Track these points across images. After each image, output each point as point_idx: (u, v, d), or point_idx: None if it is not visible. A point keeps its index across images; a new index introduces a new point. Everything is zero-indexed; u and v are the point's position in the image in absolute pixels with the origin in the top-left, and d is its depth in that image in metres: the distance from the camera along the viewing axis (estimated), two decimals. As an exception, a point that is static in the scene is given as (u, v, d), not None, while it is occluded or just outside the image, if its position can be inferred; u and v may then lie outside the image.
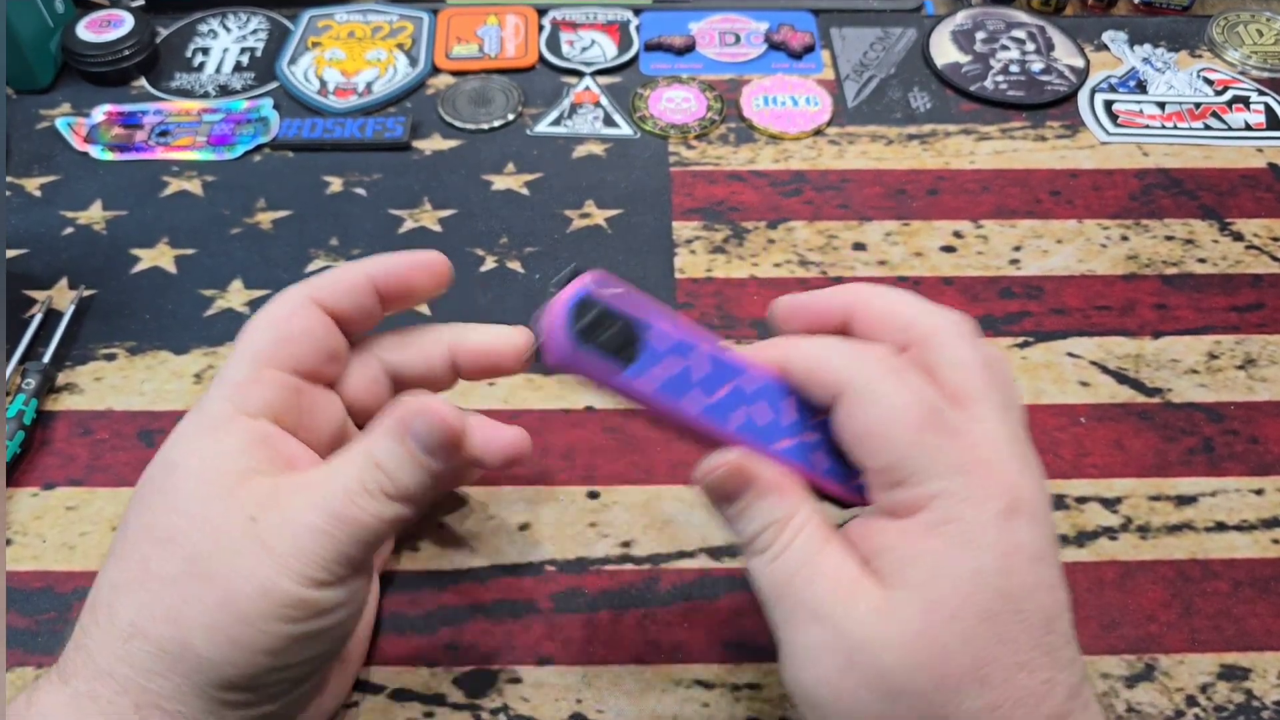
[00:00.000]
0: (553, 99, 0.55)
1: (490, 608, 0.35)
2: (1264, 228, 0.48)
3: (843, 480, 0.29)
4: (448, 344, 0.32)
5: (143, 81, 0.55)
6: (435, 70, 0.56)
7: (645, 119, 0.53)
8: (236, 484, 0.27)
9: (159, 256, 0.47)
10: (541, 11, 0.60)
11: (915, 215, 0.49)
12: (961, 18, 0.60)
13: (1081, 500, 0.39)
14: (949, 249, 0.47)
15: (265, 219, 0.49)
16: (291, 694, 0.29)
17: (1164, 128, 0.53)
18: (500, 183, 0.50)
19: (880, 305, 0.29)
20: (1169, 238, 0.48)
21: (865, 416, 0.27)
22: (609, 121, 0.53)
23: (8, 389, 0.40)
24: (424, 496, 0.28)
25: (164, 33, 0.58)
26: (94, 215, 0.49)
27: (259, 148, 0.52)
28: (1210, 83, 0.56)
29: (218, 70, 0.56)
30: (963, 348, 0.28)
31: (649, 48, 0.58)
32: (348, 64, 0.56)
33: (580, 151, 0.52)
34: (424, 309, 0.44)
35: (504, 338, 0.32)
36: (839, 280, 0.46)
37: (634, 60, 0.57)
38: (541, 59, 0.57)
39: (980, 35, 0.58)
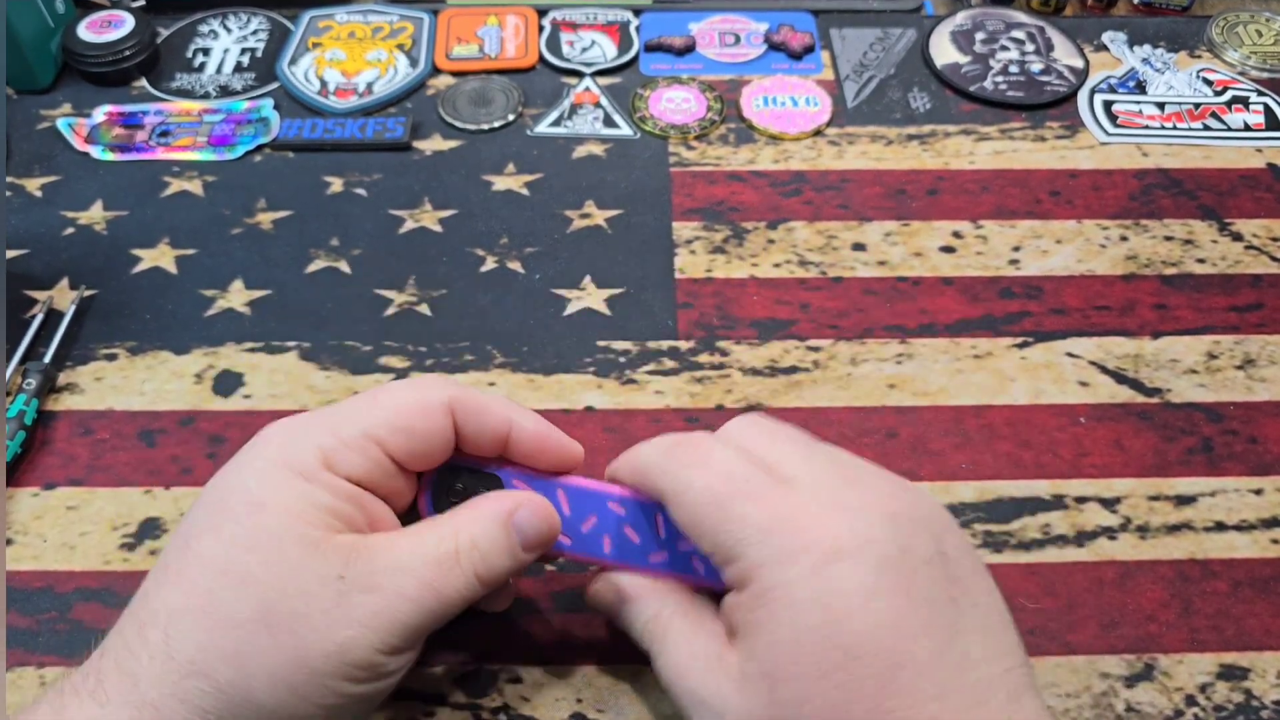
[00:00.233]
0: (553, 99, 0.55)
1: (490, 607, 0.35)
2: (1263, 228, 0.48)
3: (721, 580, 0.30)
4: (510, 423, 0.31)
5: (143, 82, 0.55)
6: (435, 71, 0.56)
7: (645, 119, 0.53)
8: (324, 537, 0.27)
9: (159, 257, 0.47)
10: (541, 12, 0.60)
11: (915, 215, 0.49)
12: (961, 18, 0.60)
13: (1081, 500, 0.39)
14: (948, 249, 0.47)
15: (266, 219, 0.49)
16: None
17: (1163, 128, 0.53)
18: (500, 183, 0.50)
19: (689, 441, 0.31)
20: (1168, 238, 0.48)
21: (682, 511, 0.28)
22: (609, 122, 0.53)
23: (8, 389, 0.40)
24: (500, 583, 0.29)
25: (164, 33, 0.58)
26: (95, 215, 0.49)
27: (259, 148, 0.52)
28: (1210, 83, 0.56)
29: (218, 71, 0.56)
30: (753, 431, 0.30)
31: (649, 48, 0.58)
32: (348, 64, 0.56)
33: (580, 152, 0.52)
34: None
35: (558, 442, 0.31)
36: (839, 280, 0.46)
37: (634, 61, 0.57)
38: (541, 59, 0.57)
39: (980, 36, 0.59)
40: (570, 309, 0.45)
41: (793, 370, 0.43)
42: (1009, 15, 0.60)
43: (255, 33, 0.59)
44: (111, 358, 0.43)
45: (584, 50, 0.57)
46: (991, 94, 0.55)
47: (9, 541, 0.37)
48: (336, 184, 0.50)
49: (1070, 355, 0.43)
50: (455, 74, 0.56)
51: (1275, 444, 0.40)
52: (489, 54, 0.57)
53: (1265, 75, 0.56)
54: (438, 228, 0.48)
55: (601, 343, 0.43)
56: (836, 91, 0.55)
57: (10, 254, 0.47)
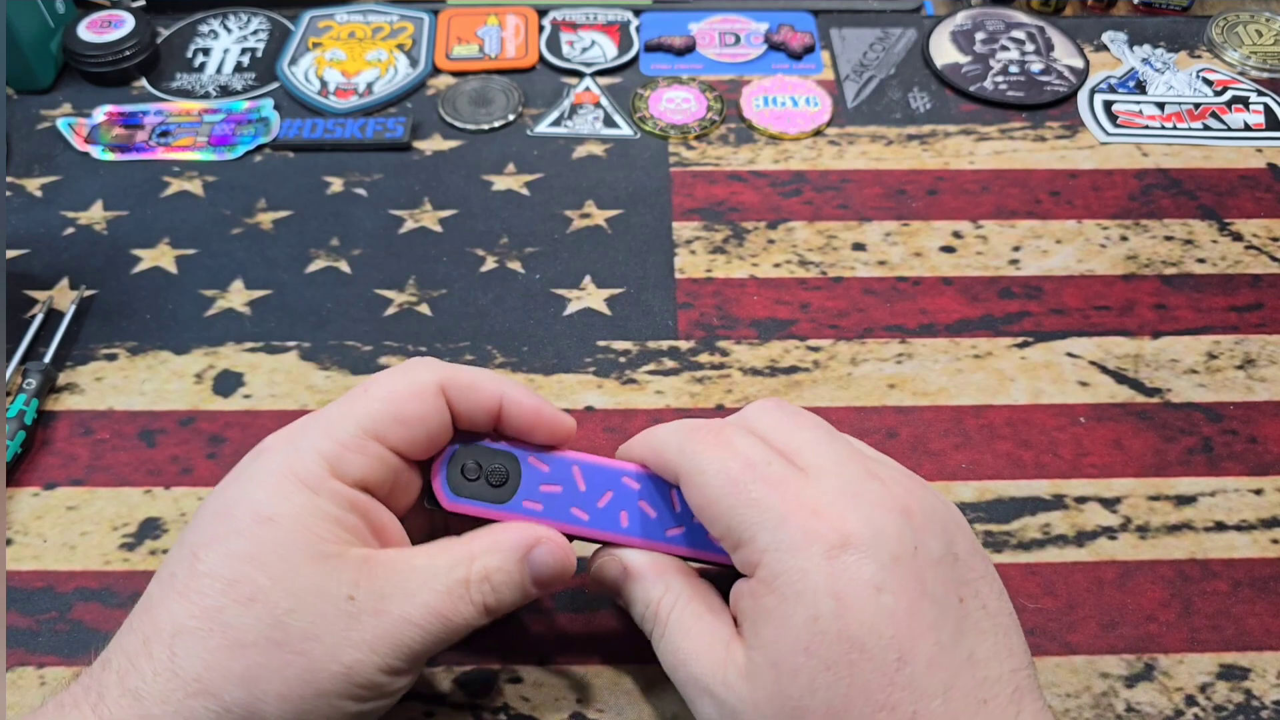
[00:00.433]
0: (553, 99, 0.55)
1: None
2: (1263, 228, 0.48)
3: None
4: (502, 396, 0.30)
5: (143, 82, 0.55)
6: (436, 71, 0.56)
7: (645, 119, 0.53)
8: (333, 554, 0.27)
9: (160, 257, 0.47)
10: (542, 12, 0.60)
11: (915, 215, 0.49)
12: (961, 18, 0.60)
13: (1081, 500, 0.39)
14: (948, 249, 0.47)
15: (266, 219, 0.49)
16: None
17: (1163, 128, 0.53)
18: (500, 183, 0.50)
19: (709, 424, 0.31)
20: (1168, 238, 0.48)
21: (697, 492, 0.28)
22: (609, 122, 0.53)
23: (9, 389, 0.40)
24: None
25: (165, 33, 0.58)
26: (95, 215, 0.49)
27: (260, 148, 0.52)
28: (1210, 83, 0.56)
29: (218, 71, 0.56)
30: (777, 415, 0.29)
31: (649, 48, 0.58)
32: (348, 64, 0.56)
33: (580, 152, 0.52)
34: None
35: (551, 414, 0.31)
36: (839, 280, 0.46)
37: (634, 61, 0.57)
38: (542, 59, 0.57)
39: (980, 36, 0.59)
40: (570, 309, 0.45)
41: (793, 370, 0.43)
42: (1009, 15, 0.60)
43: (255, 33, 0.59)
44: (112, 358, 0.43)
45: (584, 50, 0.57)
46: (991, 94, 0.55)
47: (9, 541, 0.37)
48: (337, 184, 0.50)
49: (1070, 355, 0.43)
50: (455, 74, 0.56)
51: (1275, 444, 0.40)
52: (489, 54, 0.57)
53: (1265, 75, 0.56)
54: (438, 228, 0.48)
55: (601, 343, 0.43)
56: (836, 91, 0.55)
57: (10, 254, 0.47)
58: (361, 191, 0.50)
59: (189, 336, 0.44)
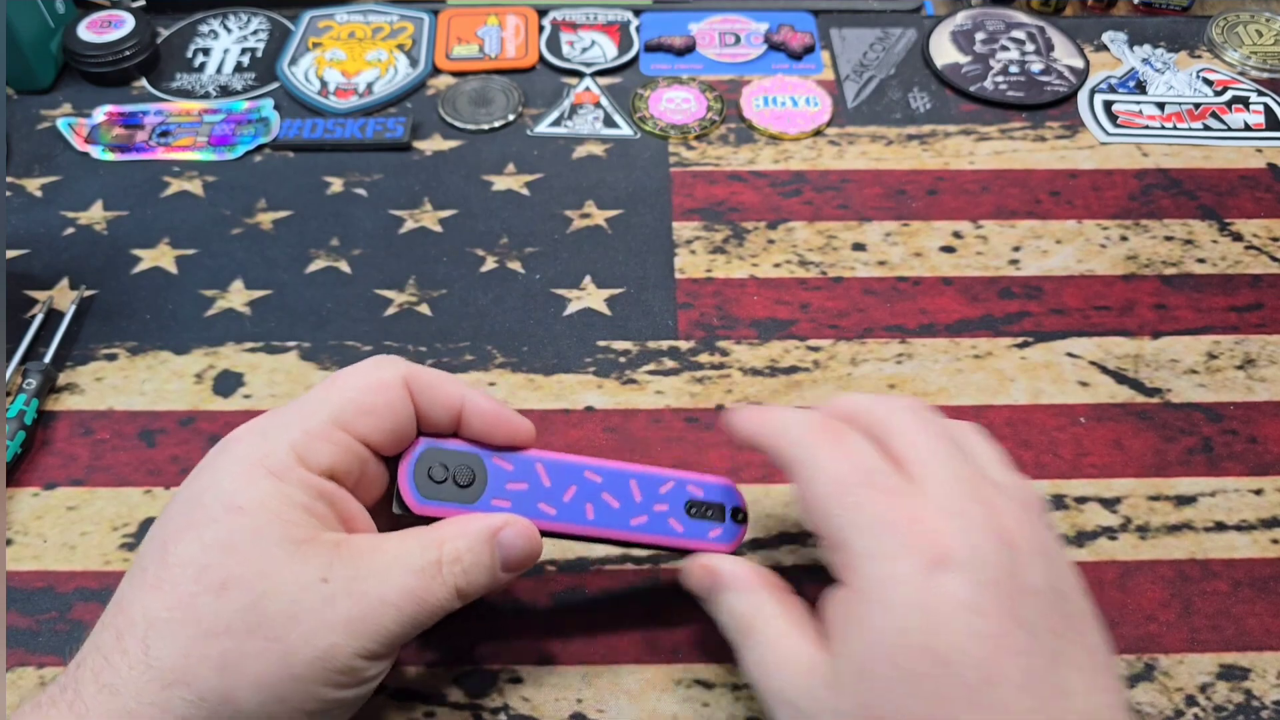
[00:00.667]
0: (553, 99, 0.55)
1: (490, 607, 0.35)
2: (1263, 228, 0.48)
3: (700, 538, 0.32)
4: (463, 398, 0.31)
5: (143, 82, 0.55)
6: (436, 71, 0.56)
7: (645, 119, 0.53)
8: (305, 539, 0.27)
9: (160, 257, 0.47)
10: (542, 12, 0.60)
11: (915, 215, 0.49)
12: (961, 18, 0.60)
13: (1081, 500, 0.39)
14: (948, 249, 0.47)
15: (266, 219, 0.49)
16: None
17: (1163, 128, 0.53)
18: (500, 183, 0.50)
19: (835, 406, 0.31)
20: (1168, 238, 0.48)
21: (804, 486, 0.28)
22: (609, 122, 0.53)
23: (9, 389, 0.40)
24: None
25: (165, 33, 0.58)
26: (95, 215, 0.49)
27: (260, 148, 0.52)
28: (1210, 83, 0.56)
29: (218, 71, 0.56)
30: (906, 419, 0.29)
31: (649, 48, 0.58)
32: (348, 64, 0.56)
33: (580, 152, 0.52)
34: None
35: (510, 416, 0.32)
36: (839, 280, 0.46)
37: (634, 61, 0.57)
38: (542, 59, 0.57)
39: (980, 36, 0.59)
40: (570, 309, 0.45)
41: (793, 370, 0.43)
42: (1009, 15, 0.60)
43: (255, 33, 0.59)
44: (111, 358, 0.43)
45: (584, 50, 0.57)
46: (991, 94, 0.55)
47: (9, 541, 0.37)
48: (336, 184, 0.50)
49: (1070, 355, 0.43)
50: (455, 74, 0.56)
51: (1275, 444, 0.40)
52: (489, 54, 0.57)
53: (1265, 75, 0.56)
54: (438, 228, 0.48)
55: (601, 343, 0.43)
56: (836, 91, 0.55)
57: (10, 254, 0.47)
58: (361, 191, 0.50)
59: (189, 336, 0.44)
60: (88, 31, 0.54)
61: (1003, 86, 0.55)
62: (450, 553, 0.28)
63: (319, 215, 0.49)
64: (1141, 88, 0.56)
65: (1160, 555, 0.37)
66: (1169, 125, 0.53)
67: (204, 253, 0.47)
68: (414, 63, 0.56)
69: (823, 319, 0.44)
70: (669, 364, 0.43)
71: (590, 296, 0.45)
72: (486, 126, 0.53)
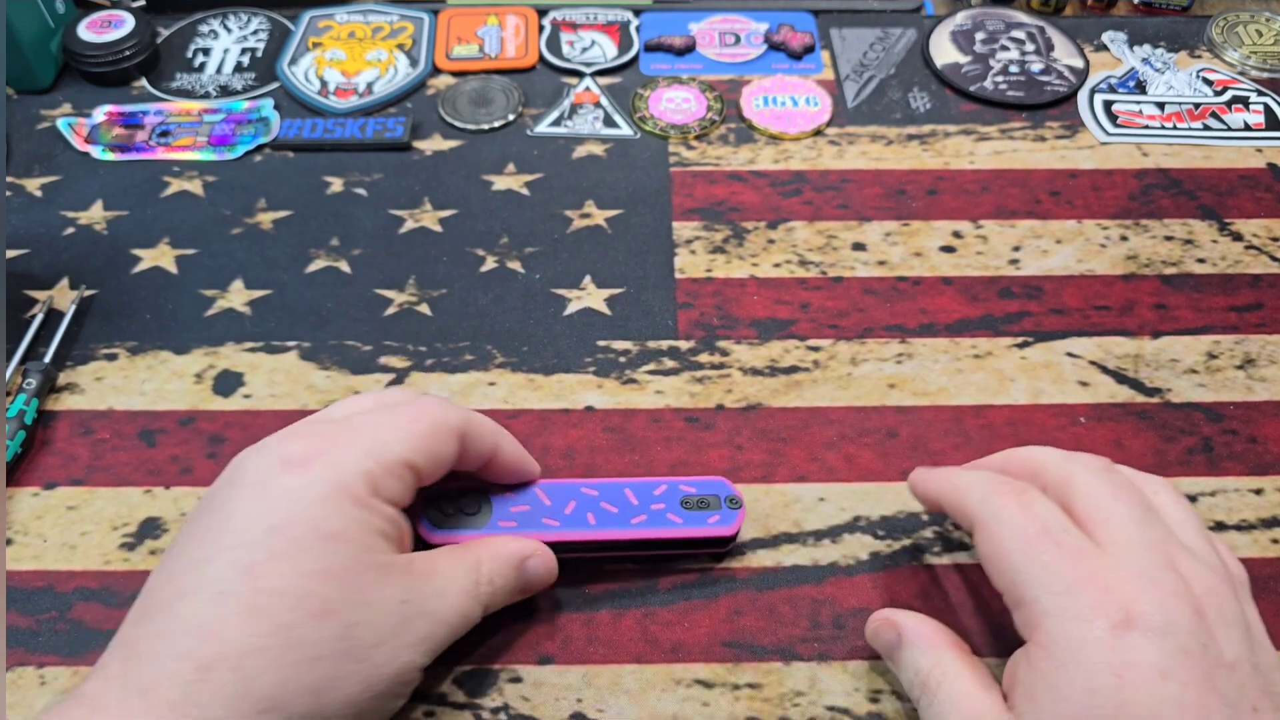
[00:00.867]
0: (553, 99, 0.55)
1: (490, 607, 0.35)
2: (1263, 228, 0.48)
3: (700, 525, 0.34)
4: (497, 447, 0.34)
5: (143, 82, 0.55)
6: (436, 71, 0.56)
7: (645, 119, 0.53)
8: (386, 563, 0.29)
9: (160, 256, 0.47)
10: (542, 12, 0.60)
11: (915, 215, 0.49)
12: (961, 18, 0.60)
13: (1081, 500, 0.39)
14: (948, 249, 0.47)
15: (266, 219, 0.49)
16: None
17: (1163, 128, 0.53)
18: (500, 183, 0.50)
19: (1018, 459, 0.32)
20: (1168, 238, 0.48)
21: (987, 542, 0.29)
22: (609, 122, 0.53)
23: (9, 389, 0.40)
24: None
25: (165, 33, 0.58)
26: (95, 215, 0.49)
27: (260, 148, 0.52)
28: (1210, 83, 0.56)
29: (218, 70, 0.56)
30: (1090, 476, 0.29)
31: (649, 48, 0.58)
32: (348, 64, 0.56)
33: (580, 152, 0.52)
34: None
35: (528, 462, 0.35)
36: (839, 280, 0.46)
37: (634, 61, 0.57)
38: (542, 59, 0.57)
39: (980, 36, 0.59)
40: (570, 309, 0.45)
41: (793, 370, 0.43)
42: (1009, 15, 0.60)
43: (255, 33, 0.59)
44: (112, 358, 0.43)
45: (584, 50, 0.57)
46: (991, 94, 0.55)
47: (9, 541, 0.37)
48: (336, 184, 0.50)
49: (1070, 355, 0.43)
50: (455, 74, 0.56)
51: (1275, 444, 0.40)
52: (489, 54, 0.57)
53: (1265, 75, 0.56)
54: (438, 228, 0.48)
55: (601, 342, 0.43)
56: (836, 91, 0.55)
57: (10, 254, 0.47)
58: (361, 191, 0.50)
59: (189, 336, 0.44)
60: (88, 31, 0.54)
61: (1003, 86, 0.55)
62: (486, 574, 0.31)
63: (319, 215, 0.49)
64: (1141, 88, 0.56)
65: (1160, 555, 0.37)
66: (1169, 125, 0.53)
67: (204, 253, 0.47)
68: (414, 62, 0.56)
69: (823, 319, 0.44)
70: (669, 364, 0.43)
71: (590, 296, 0.45)
72: (486, 126, 0.53)
